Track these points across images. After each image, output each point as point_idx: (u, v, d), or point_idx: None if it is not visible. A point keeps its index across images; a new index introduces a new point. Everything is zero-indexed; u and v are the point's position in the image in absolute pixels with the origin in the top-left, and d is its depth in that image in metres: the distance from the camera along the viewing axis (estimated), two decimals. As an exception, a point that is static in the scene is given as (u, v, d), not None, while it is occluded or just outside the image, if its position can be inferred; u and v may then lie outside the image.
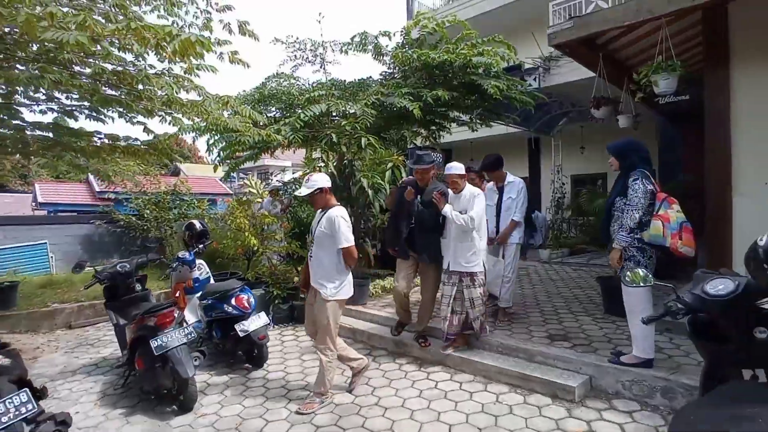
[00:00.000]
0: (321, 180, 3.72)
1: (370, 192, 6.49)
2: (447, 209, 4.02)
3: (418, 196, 4.30)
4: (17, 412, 2.47)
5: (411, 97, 6.23)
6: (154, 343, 3.55)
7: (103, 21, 3.52)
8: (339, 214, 3.64)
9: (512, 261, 4.97)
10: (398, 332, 4.76)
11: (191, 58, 3.47)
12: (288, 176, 18.28)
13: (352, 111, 6.25)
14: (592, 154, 12.82)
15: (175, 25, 5.11)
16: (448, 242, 4.16)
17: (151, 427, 3.48)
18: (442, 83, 6.99)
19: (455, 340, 4.33)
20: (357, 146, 6.25)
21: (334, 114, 6.90)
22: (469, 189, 4.19)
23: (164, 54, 3.18)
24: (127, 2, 4.21)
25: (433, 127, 8.64)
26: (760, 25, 3.82)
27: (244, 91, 8.10)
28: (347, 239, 3.60)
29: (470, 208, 4.03)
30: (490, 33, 13.55)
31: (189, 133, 6.42)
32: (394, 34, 7.60)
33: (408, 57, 6.75)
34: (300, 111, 6.12)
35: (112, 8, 3.95)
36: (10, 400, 2.48)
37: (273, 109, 7.92)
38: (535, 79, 10.48)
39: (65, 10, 2.95)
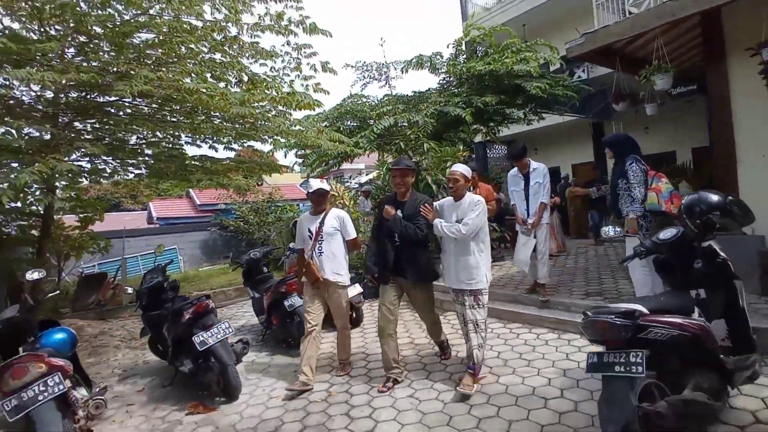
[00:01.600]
0: (327, 185, 4.29)
1: (434, 187, 7.73)
2: (437, 223, 3.62)
3: (398, 211, 3.78)
4: (228, 331, 4.01)
5: (464, 105, 7.41)
6: (287, 302, 5.06)
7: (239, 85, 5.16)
8: (344, 213, 4.27)
9: (545, 241, 5.33)
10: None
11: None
12: (364, 178, 19.92)
13: (415, 120, 7.55)
14: (656, 134, 12.97)
15: (272, 69, 6.76)
16: (448, 257, 3.73)
17: (290, 362, 5.01)
18: (490, 89, 8.08)
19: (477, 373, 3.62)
20: (420, 150, 7.54)
21: (400, 124, 8.25)
22: (470, 196, 3.70)
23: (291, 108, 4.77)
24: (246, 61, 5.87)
25: (492, 124, 9.71)
26: (749, 23, 4.58)
27: (324, 110, 9.73)
28: (354, 231, 4.26)
29: (467, 216, 3.57)
30: (540, 25, 14.36)
31: (280, 149, 8.10)
32: (448, 46, 8.83)
33: (458, 70, 7.92)
34: (373, 124, 7.54)
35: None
36: (223, 324, 4.03)
37: (349, 122, 9.47)
38: (583, 71, 11.10)
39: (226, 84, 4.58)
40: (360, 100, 9.25)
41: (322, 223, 4.09)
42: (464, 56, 9.10)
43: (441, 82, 9.29)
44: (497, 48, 8.39)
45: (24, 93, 5.23)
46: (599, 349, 2.42)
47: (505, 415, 3.14)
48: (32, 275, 3.86)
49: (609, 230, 3.65)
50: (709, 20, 4.81)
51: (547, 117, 11.82)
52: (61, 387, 2.84)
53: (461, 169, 3.72)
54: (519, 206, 5.39)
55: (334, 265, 4.07)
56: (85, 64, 4.38)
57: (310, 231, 4.12)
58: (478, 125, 9.46)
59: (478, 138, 10.47)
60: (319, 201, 4.15)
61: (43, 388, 2.75)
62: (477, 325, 3.56)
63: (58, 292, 4.71)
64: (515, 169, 5.49)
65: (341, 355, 4.37)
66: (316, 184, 4.19)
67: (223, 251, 13.14)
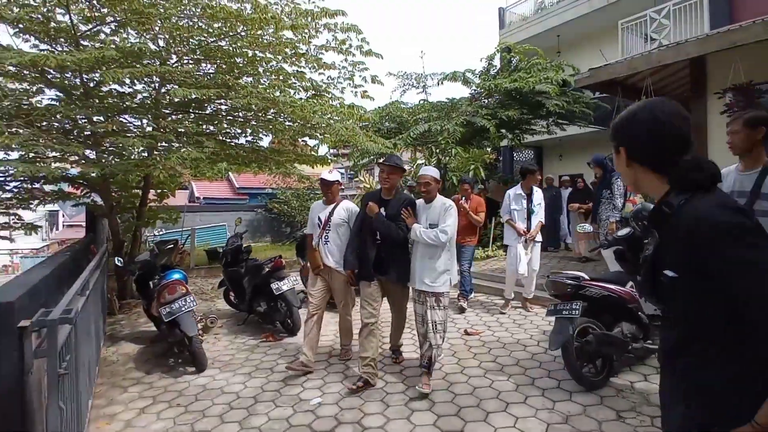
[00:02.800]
0: (335, 176, 4.27)
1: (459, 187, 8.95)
2: (415, 228, 3.58)
3: (382, 209, 3.73)
4: (296, 283, 5.29)
5: (489, 116, 8.57)
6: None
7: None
8: (353, 205, 4.29)
9: (538, 256, 5.62)
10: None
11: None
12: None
13: (446, 128, 8.75)
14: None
15: (329, 78, 8.07)
16: (414, 258, 3.70)
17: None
18: (516, 102, 9.20)
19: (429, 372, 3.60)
20: (449, 154, 8.76)
21: (433, 129, 9.49)
22: (440, 199, 3.70)
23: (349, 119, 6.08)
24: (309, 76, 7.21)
25: (517, 131, 10.83)
26: (724, 70, 5.60)
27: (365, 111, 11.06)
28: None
29: (442, 221, 3.56)
30: (573, 37, 15.28)
31: (325, 144, 9.46)
32: (480, 60, 9.98)
33: (487, 85, 9.07)
34: (410, 129, 8.78)
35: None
36: (292, 277, 5.36)
37: (387, 124, 10.75)
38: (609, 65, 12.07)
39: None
40: (399, 105, 10.51)
41: (331, 213, 4.17)
42: (494, 71, 10.23)
43: (471, 92, 10.44)
44: (527, 63, 9.48)
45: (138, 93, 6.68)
46: (556, 301, 3.63)
47: (495, 353, 4.37)
48: (157, 233, 5.28)
49: (585, 226, 4.81)
50: (696, 64, 5.84)
51: (569, 127, 12.80)
52: (194, 303, 4.22)
53: (431, 172, 3.74)
54: (520, 224, 5.55)
55: (338, 253, 4.09)
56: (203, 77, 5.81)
57: (319, 219, 4.22)
58: (504, 131, 10.60)
59: (504, 142, 11.56)
60: (327, 191, 4.20)
61: (184, 303, 4.11)
62: (436, 326, 3.54)
63: (173, 246, 6.05)
64: (518, 187, 5.65)
65: (343, 340, 4.43)
66: (324, 174, 4.24)
67: (267, 231, 14.70)
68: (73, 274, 3.35)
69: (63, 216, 32.39)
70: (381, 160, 3.88)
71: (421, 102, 10.88)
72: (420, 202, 3.81)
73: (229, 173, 22.67)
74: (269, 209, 14.21)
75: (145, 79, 6.22)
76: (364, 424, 3.07)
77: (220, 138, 6.81)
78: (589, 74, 6.22)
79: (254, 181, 19.46)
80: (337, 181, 4.25)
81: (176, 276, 4.93)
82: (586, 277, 3.56)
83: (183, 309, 4.09)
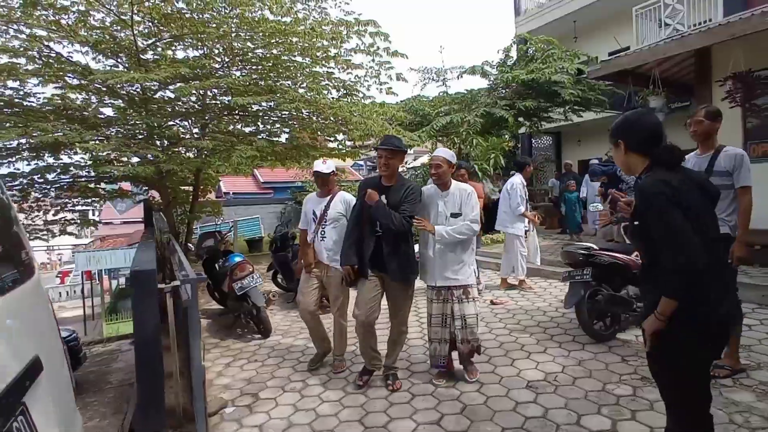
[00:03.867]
0: (329, 166, 3.86)
1: (480, 174, 9.50)
2: (440, 230, 3.29)
3: (383, 197, 3.27)
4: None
5: (507, 107, 9.11)
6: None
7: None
8: (350, 197, 3.84)
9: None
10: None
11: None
12: (416, 162, 21.85)
13: (466, 119, 9.33)
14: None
15: (356, 77, 8.71)
16: (431, 254, 3.39)
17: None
18: (533, 92, 9.71)
19: (448, 369, 3.53)
20: (469, 143, 9.33)
21: (454, 122, 10.08)
22: (457, 185, 3.46)
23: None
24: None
25: (535, 119, 11.33)
26: (728, 60, 6.03)
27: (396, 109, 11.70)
28: None
29: (468, 209, 3.34)
30: (590, 22, 15.58)
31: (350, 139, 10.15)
32: (498, 51, 10.49)
33: (505, 77, 9.60)
34: (433, 121, 9.39)
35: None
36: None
37: (409, 116, 11.36)
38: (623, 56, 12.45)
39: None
40: (421, 99, 11.12)
41: (327, 206, 3.79)
42: (511, 62, 10.71)
43: (489, 84, 10.96)
44: (542, 53, 9.94)
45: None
46: (569, 269, 4.25)
47: (519, 317, 5.01)
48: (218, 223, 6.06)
49: (597, 206, 5.38)
50: (701, 54, 6.27)
51: (585, 113, 13.19)
52: (260, 280, 4.97)
53: (444, 154, 3.40)
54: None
55: (336, 248, 3.64)
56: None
57: (314, 213, 3.84)
58: (521, 120, 11.10)
59: (522, 130, 12.06)
60: (321, 183, 3.87)
61: (252, 279, 4.86)
62: (466, 319, 3.31)
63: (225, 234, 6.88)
64: (520, 177, 5.98)
65: (337, 350, 3.91)
66: (318, 166, 3.85)
67: (297, 221, 15.49)
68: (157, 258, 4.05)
69: (97, 214, 33.99)
70: (379, 145, 3.39)
71: (442, 94, 11.45)
72: (432, 189, 3.45)
73: (254, 169, 23.67)
74: (298, 201, 15.04)
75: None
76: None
77: (266, 137, 7.57)
78: (600, 66, 6.71)
79: (278, 176, 20.31)
80: (333, 172, 3.90)
81: (237, 259, 5.69)
82: (596, 247, 4.17)
83: (252, 284, 4.84)
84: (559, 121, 12.20)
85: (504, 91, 10.01)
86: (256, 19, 6.22)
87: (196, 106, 7.26)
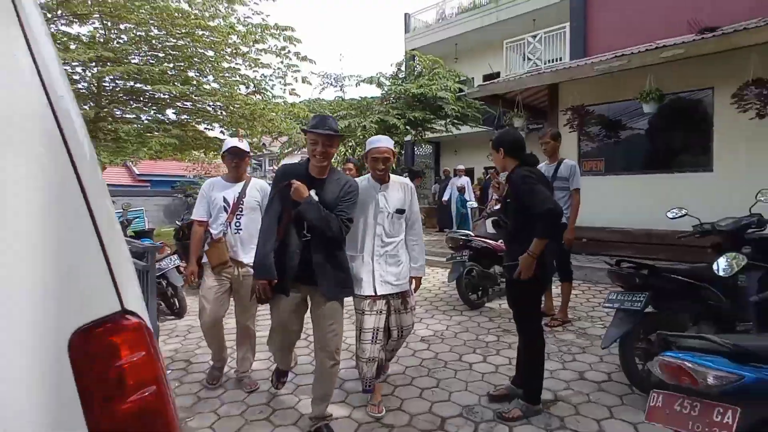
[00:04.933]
0: (245, 145, 3.36)
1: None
2: (421, 266, 3.04)
3: (312, 191, 2.52)
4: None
5: (399, 116, 10.21)
6: None
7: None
8: (266, 184, 3.38)
9: None
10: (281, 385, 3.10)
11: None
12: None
13: (362, 124, 10.21)
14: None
15: (262, 75, 9.07)
16: (366, 259, 2.85)
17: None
18: (422, 104, 10.96)
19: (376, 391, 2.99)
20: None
21: (352, 125, 10.91)
22: (395, 178, 3.00)
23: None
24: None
25: (420, 128, 12.65)
26: (572, 92, 7.71)
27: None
28: None
29: (415, 208, 3.01)
30: (469, 46, 17.53)
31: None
32: (391, 65, 11.58)
33: (396, 89, 10.71)
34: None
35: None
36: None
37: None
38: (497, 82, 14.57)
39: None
40: (321, 102, 11.76)
41: (242, 193, 3.24)
42: (403, 74, 11.89)
43: (383, 93, 12.04)
44: (429, 70, 11.26)
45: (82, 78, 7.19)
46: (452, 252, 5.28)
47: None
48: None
49: (472, 204, 6.57)
50: (552, 88, 7.92)
51: (463, 127, 15.06)
52: (178, 261, 5.19)
53: (389, 143, 2.89)
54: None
55: (251, 246, 3.05)
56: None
57: (226, 201, 3.20)
58: (408, 128, 12.38)
59: (407, 138, 13.37)
60: (235, 164, 3.25)
61: (170, 261, 5.08)
62: (403, 331, 2.96)
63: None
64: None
65: (243, 366, 3.36)
66: (231, 141, 3.35)
67: (182, 215, 15.05)
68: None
69: None
70: (311, 126, 2.51)
71: (338, 99, 12.23)
72: (366, 181, 2.88)
73: (126, 161, 22.09)
74: (187, 194, 14.58)
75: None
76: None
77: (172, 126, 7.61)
78: (479, 89, 8.07)
79: (157, 168, 19.33)
80: (249, 153, 3.36)
81: (147, 242, 5.80)
82: (473, 234, 5.27)
83: (170, 266, 5.07)
84: (440, 132, 13.74)
85: (395, 101, 11.12)
86: (167, 5, 6.34)
87: (93, 88, 7.04)
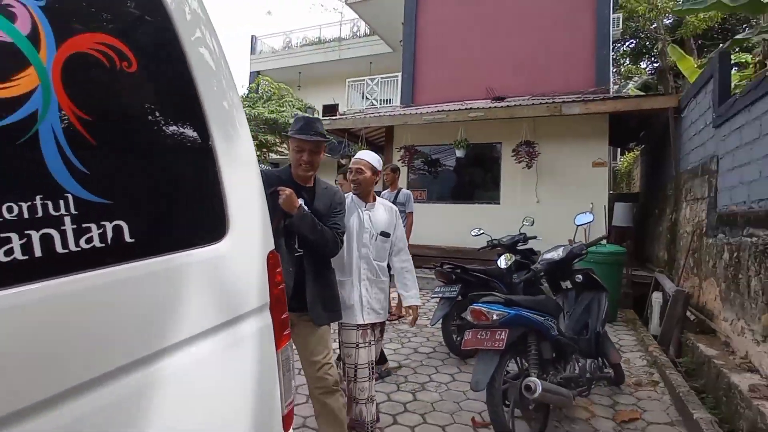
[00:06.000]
0: None
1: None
2: (414, 296, 2.82)
3: (300, 200, 2.24)
4: None
5: (253, 138, 10.71)
6: None
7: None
8: None
9: None
10: None
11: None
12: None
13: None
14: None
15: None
16: (353, 282, 2.58)
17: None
18: (271, 129, 11.65)
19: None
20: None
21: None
22: (381, 200, 2.82)
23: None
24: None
25: (265, 149, 13.23)
26: (405, 133, 9.32)
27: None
28: None
29: (400, 233, 2.82)
30: (312, 75, 18.70)
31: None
32: (242, 86, 12.01)
33: (253, 113, 11.23)
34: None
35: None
36: None
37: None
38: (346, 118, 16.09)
39: None
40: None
41: None
42: (256, 96, 12.44)
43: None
44: (279, 96, 12.06)
45: None
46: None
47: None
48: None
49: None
50: (388, 128, 9.48)
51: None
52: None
53: (367, 157, 2.68)
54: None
55: None
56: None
57: None
58: (261, 151, 12.91)
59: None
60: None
61: None
62: (372, 366, 2.61)
63: None
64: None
65: None
66: None
67: None
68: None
69: None
70: (296, 130, 2.26)
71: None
72: (351, 200, 2.68)
73: None
74: None
75: None
76: None
77: None
78: (330, 122, 9.18)
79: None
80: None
81: None
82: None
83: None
84: (285, 154, 14.52)
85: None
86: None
87: None
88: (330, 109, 16.29)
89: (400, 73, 12.21)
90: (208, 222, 1.11)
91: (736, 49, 7.97)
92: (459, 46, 9.90)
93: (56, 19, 0.82)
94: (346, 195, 2.63)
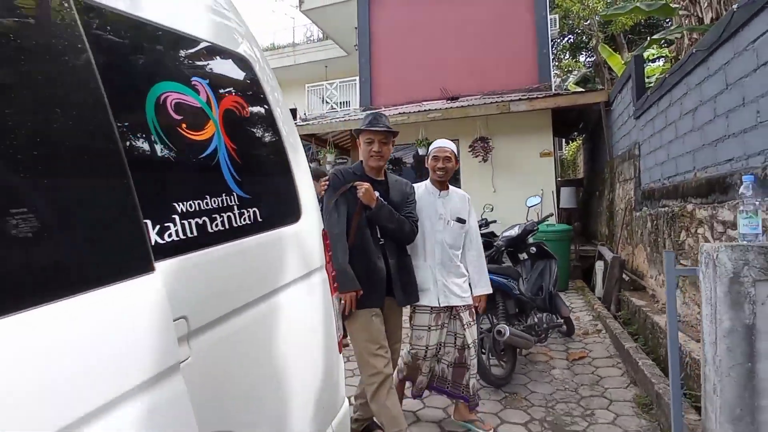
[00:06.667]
0: None
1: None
2: (485, 284, 2.86)
3: (376, 193, 2.39)
4: None
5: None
6: None
7: None
8: None
9: None
10: None
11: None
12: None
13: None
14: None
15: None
16: (430, 267, 2.69)
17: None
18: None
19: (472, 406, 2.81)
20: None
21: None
22: (454, 188, 2.87)
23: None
24: None
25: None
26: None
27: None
28: None
29: (473, 221, 2.86)
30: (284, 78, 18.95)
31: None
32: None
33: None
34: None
35: None
36: None
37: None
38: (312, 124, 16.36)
39: None
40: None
41: None
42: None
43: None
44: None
45: None
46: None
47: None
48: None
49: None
50: (352, 132, 10.04)
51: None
52: None
53: (452, 146, 2.76)
54: None
55: None
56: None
57: None
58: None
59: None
60: None
61: None
62: (471, 347, 2.71)
63: None
64: None
65: None
66: None
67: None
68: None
69: None
70: (366, 124, 2.45)
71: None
72: (424, 187, 2.79)
73: None
74: None
75: None
76: None
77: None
78: (299, 127, 9.68)
79: None
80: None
81: None
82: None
83: None
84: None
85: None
86: None
87: None
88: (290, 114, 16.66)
89: (358, 77, 12.81)
90: (292, 210, 1.69)
91: (663, 44, 9.10)
92: (412, 49, 10.61)
93: (215, 90, 1.39)
94: (419, 184, 2.81)
